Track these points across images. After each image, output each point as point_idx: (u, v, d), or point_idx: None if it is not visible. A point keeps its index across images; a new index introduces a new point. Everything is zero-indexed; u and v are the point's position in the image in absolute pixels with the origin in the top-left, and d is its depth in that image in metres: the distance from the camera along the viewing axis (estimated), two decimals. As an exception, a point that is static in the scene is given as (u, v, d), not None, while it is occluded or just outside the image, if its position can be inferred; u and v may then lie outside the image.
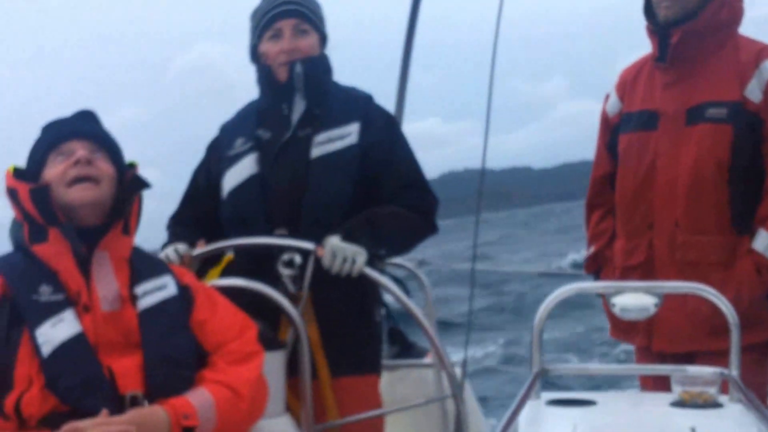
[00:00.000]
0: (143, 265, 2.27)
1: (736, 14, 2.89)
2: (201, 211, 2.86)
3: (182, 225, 2.84)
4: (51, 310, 2.09)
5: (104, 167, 2.22)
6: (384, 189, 2.72)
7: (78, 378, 2.04)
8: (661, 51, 2.88)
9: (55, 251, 2.15)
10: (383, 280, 2.63)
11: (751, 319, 2.59)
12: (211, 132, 2.97)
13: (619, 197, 3.04)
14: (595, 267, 3.15)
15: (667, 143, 2.87)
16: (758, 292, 2.79)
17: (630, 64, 3.13)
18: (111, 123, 2.60)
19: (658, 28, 2.88)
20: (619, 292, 2.37)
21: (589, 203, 3.20)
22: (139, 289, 2.21)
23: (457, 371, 2.75)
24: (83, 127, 2.28)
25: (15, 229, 2.24)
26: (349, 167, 2.69)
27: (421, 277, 3.54)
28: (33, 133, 2.32)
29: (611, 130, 3.10)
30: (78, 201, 2.16)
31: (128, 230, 2.26)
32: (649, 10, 2.94)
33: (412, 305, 2.61)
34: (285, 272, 2.60)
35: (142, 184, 2.32)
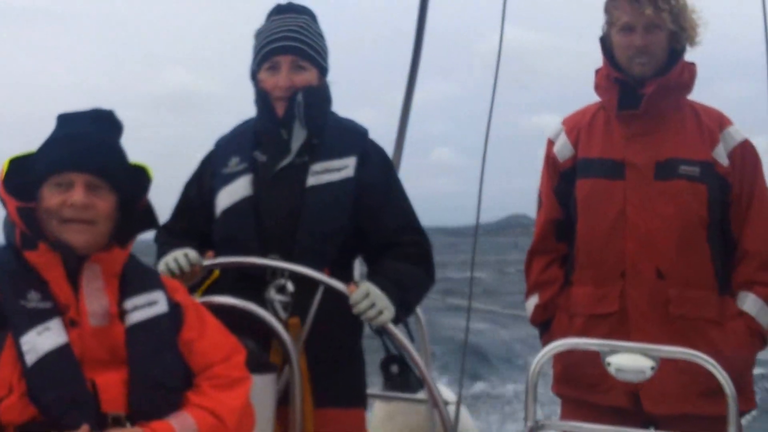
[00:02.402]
0: (135, 278, 2.23)
1: (692, 78, 2.94)
2: (192, 225, 2.83)
3: (177, 236, 2.77)
4: (38, 317, 2.05)
5: (102, 206, 2.15)
6: (381, 229, 2.73)
7: (61, 392, 2.01)
8: (626, 101, 2.88)
9: (45, 261, 2.11)
10: (400, 336, 2.62)
11: (739, 385, 2.51)
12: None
13: (583, 243, 2.96)
14: (545, 316, 3.07)
15: (637, 194, 2.85)
16: (750, 355, 2.79)
17: (576, 111, 3.12)
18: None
19: (629, 80, 2.89)
20: (614, 351, 2.33)
21: (534, 250, 3.13)
22: (129, 304, 2.17)
23: (452, 409, 2.70)
24: (86, 156, 2.15)
25: (7, 228, 2.19)
26: (345, 200, 2.69)
27: (418, 311, 3.52)
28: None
29: (560, 175, 3.06)
30: (72, 242, 2.11)
31: (125, 243, 2.22)
32: (609, 60, 2.94)
33: (410, 346, 2.62)
34: (277, 297, 2.59)
35: (150, 222, 2.30)
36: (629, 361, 2.33)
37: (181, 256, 2.58)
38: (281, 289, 2.60)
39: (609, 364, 2.33)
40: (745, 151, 2.89)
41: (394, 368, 3.41)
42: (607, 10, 2.93)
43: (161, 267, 2.58)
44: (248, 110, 2.85)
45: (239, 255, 2.63)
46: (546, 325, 3.06)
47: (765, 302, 2.81)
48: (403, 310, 2.64)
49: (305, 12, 2.81)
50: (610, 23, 2.93)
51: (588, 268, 2.95)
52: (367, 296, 2.52)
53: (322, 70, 2.79)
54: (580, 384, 2.87)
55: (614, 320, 2.85)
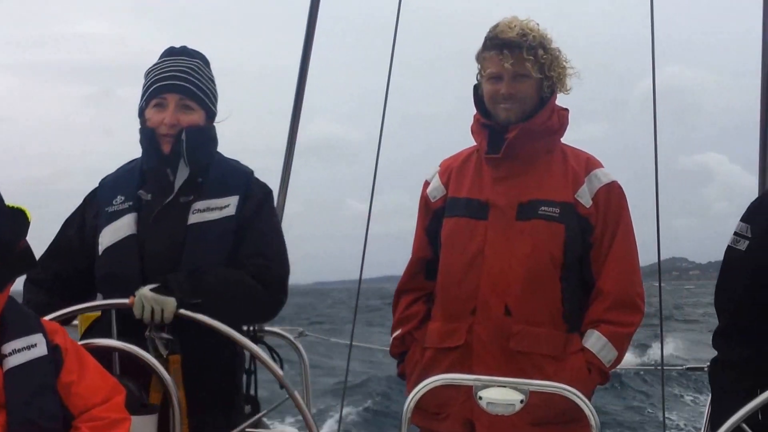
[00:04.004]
0: (14, 322, 2.22)
1: (563, 123, 3.06)
2: (66, 266, 2.85)
3: (38, 288, 2.80)
4: None
5: None
6: (238, 254, 2.77)
7: None
8: (493, 145, 3.00)
9: None
10: (230, 331, 2.58)
11: (572, 416, 2.63)
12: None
13: (442, 279, 3.07)
14: (402, 349, 3.17)
15: (497, 234, 2.96)
16: (587, 389, 2.85)
17: (452, 155, 3.24)
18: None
19: (495, 126, 3.00)
20: (486, 386, 2.42)
21: (401, 288, 3.24)
22: (8, 348, 2.17)
23: None
24: None
25: None
26: (225, 238, 2.75)
27: (299, 347, 3.59)
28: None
29: (432, 214, 3.17)
30: None
31: (3, 286, 2.21)
32: (480, 107, 3.06)
33: (276, 368, 2.61)
34: (157, 336, 2.61)
35: (28, 264, 2.29)
36: (499, 395, 2.43)
37: None
38: (162, 328, 2.61)
39: (481, 398, 2.42)
40: (611, 193, 2.98)
41: (248, 408, 3.41)
42: (478, 60, 3.04)
43: None
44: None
45: (122, 292, 2.63)
46: (403, 357, 3.15)
47: (609, 340, 2.90)
48: (194, 295, 2.61)
49: (198, 56, 2.89)
50: (481, 73, 3.05)
51: (442, 303, 3.05)
52: (142, 305, 2.54)
53: (210, 113, 2.85)
54: (427, 413, 2.95)
55: (459, 353, 2.94)
